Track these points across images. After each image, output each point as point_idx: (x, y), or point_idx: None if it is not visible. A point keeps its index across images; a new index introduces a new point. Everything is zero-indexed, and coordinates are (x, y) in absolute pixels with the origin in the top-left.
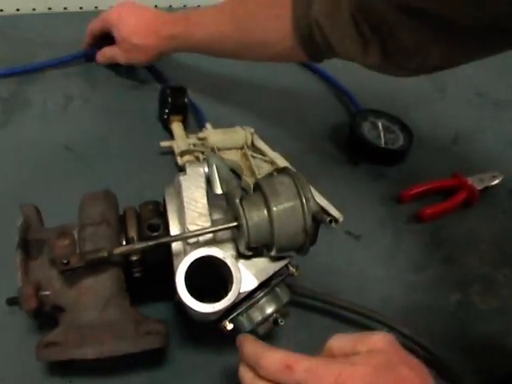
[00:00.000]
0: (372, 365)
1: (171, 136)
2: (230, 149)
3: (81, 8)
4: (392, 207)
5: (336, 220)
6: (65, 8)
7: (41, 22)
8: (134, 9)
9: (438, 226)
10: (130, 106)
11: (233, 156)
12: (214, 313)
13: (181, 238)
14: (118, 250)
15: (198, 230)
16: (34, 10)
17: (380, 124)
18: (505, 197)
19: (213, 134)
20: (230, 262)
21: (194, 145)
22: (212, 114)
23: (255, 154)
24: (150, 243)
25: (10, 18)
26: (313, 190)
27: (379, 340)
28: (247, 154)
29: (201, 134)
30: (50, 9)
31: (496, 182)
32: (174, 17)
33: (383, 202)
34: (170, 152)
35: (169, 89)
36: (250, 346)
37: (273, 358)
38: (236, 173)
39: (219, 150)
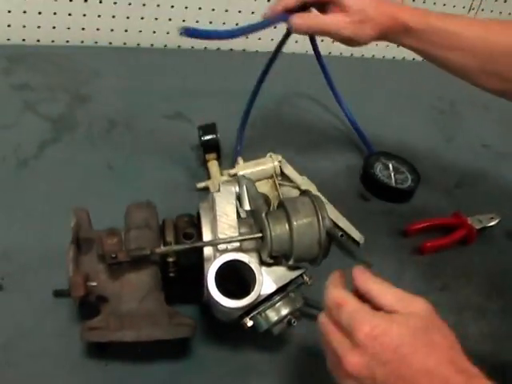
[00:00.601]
0: (409, 326)
1: (206, 169)
2: (260, 179)
3: (124, 43)
4: (398, 240)
5: (358, 242)
6: (110, 43)
7: (88, 53)
8: None
9: (437, 259)
10: (168, 134)
11: (263, 187)
12: (237, 308)
13: (213, 243)
14: (158, 250)
15: (228, 238)
16: (82, 42)
17: (391, 165)
18: (501, 237)
19: (243, 168)
20: (253, 266)
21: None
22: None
23: (284, 182)
24: (186, 246)
25: (60, 48)
26: (337, 212)
27: (421, 307)
28: (276, 184)
29: (232, 171)
30: (96, 42)
31: (493, 223)
32: (412, 9)
33: (390, 235)
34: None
35: (200, 129)
36: (331, 277)
37: (332, 293)
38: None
39: None
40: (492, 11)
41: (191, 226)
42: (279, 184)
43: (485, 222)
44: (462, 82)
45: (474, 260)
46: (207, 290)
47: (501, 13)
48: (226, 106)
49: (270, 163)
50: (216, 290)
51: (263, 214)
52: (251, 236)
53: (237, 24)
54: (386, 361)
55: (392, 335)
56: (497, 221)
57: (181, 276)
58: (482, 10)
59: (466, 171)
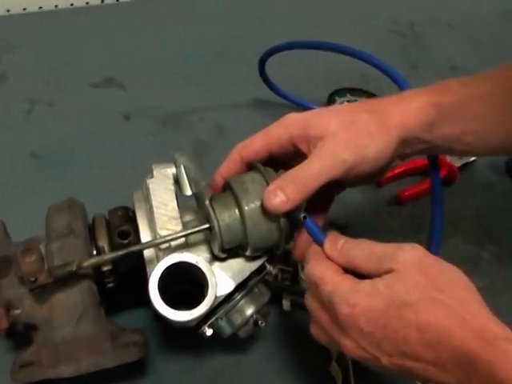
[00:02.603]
0: (392, 297)
1: None
2: None
3: (40, 8)
4: (371, 192)
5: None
6: (24, 9)
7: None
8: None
9: (417, 207)
10: (99, 105)
11: None
12: (191, 320)
13: (151, 245)
14: (87, 263)
15: (169, 235)
16: None
17: None
18: (484, 172)
19: None
20: (203, 266)
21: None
22: None
23: None
24: (120, 253)
25: None
26: None
27: (407, 261)
28: None
29: None
30: (8, 11)
31: (474, 158)
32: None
33: (361, 188)
34: None
35: None
36: (311, 249)
37: (310, 270)
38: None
39: None
40: None
41: (127, 222)
42: None
43: (465, 158)
44: (418, 2)
45: (459, 203)
46: (151, 303)
47: None
48: (160, 66)
49: None
50: (161, 302)
51: (207, 201)
52: (195, 229)
53: None
54: (378, 340)
55: (375, 312)
56: None
57: (121, 284)
58: None
59: None
